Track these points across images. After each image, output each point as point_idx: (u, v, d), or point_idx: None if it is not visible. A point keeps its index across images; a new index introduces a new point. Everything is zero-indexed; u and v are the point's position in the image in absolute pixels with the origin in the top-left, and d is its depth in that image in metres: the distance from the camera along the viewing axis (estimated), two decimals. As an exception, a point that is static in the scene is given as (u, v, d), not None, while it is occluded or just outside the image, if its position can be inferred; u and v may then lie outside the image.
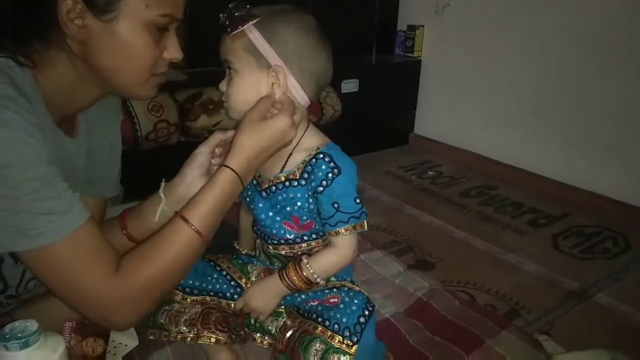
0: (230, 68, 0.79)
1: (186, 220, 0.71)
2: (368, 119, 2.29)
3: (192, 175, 0.82)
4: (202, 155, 0.83)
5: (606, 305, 1.27)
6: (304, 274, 0.81)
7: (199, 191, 0.75)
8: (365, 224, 0.82)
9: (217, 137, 0.83)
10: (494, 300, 1.27)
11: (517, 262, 1.46)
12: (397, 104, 2.47)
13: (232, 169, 0.74)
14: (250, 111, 0.77)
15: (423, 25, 2.36)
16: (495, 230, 1.67)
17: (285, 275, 0.83)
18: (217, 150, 0.85)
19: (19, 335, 0.62)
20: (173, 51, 0.71)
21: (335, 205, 0.79)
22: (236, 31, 0.75)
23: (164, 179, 0.86)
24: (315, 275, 0.81)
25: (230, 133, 0.82)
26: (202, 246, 0.74)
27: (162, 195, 0.83)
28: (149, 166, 1.66)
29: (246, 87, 0.78)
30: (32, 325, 0.64)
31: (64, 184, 0.63)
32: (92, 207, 0.88)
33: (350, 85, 2.17)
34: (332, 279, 0.89)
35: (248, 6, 0.76)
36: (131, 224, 0.84)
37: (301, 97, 0.80)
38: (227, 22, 0.76)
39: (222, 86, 0.81)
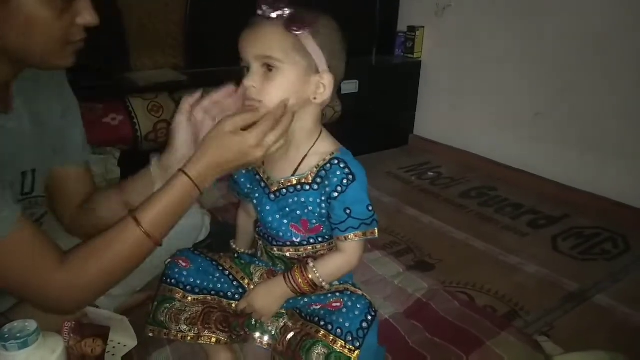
0: (269, 65, 0.75)
1: (137, 222, 0.72)
2: (368, 119, 2.29)
3: (182, 153, 0.82)
4: (181, 126, 0.82)
5: (606, 307, 1.27)
6: (310, 277, 0.82)
7: (154, 193, 0.76)
8: (376, 231, 0.83)
9: (187, 101, 0.81)
10: (493, 301, 1.27)
11: (517, 263, 1.46)
12: (397, 105, 2.47)
13: (188, 176, 0.74)
14: (224, 121, 0.75)
15: (423, 26, 2.36)
16: (495, 231, 1.67)
17: (290, 278, 0.83)
18: (215, 110, 0.82)
19: (18, 335, 0.62)
20: (86, 16, 0.68)
21: (348, 211, 0.80)
22: (302, 32, 0.73)
23: (151, 155, 0.85)
24: (321, 279, 0.82)
25: (197, 94, 0.82)
26: (152, 248, 0.75)
27: (153, 175, 0.83)
28: (148, 166, 1.67)
29: (289, 87, 0.75)
30: (31, 325, 0.64)
31: None
32: (74, 177, 0.89)
33: (350, 86, 2.17)
34: (335, 282, 0.89)
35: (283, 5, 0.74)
36: (130, 195, 0.86)
37: (326, 102, 0.80)
38: (287, 17, 0.73)
39: (254, 82, 0.76)
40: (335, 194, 0.79)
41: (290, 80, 0.75)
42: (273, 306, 0.86)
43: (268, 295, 0.85)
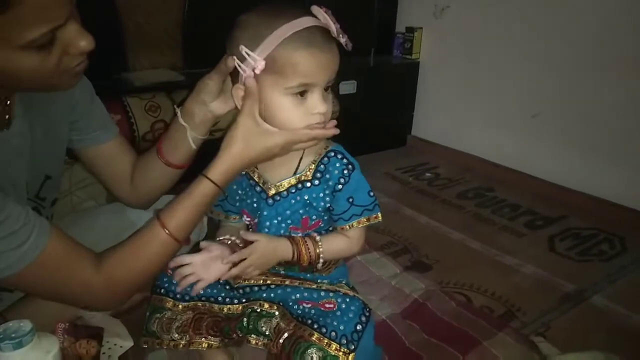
0: (327, 87, 0.77)
1: (164, 227, 0.75)
2: (366, 120, 2.29)
3: (203, 97, 0.84)
4: (212, 82, 0.82)
5: (602, 308, 1.27)
6: (317, 251, 0.82)
7: (177, 198, 0.77)
8: (380, 215, 0.84)
9: (229, 64, 0.77)
10: (490, 302, 1.27)
11: (514, 263, 1.46)
12: (395, 106, 2.48)
13: (212, 181, 0.75)
14: (245, 118, 0.74)
15: (421, 27, 2.36)
16: (492, 232, 1.67)
17: (295, 244, 0.83)
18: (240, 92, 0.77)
19: (13, 335, 0.62)
20: (78, 43, 0.62)
21: (350, 200, 0.81)
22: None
23: (175, 107, 0.89)
24: (321, 256, 0.83)
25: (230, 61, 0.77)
26: (178, 248, 0.78)
27: (184, 123, 0.85)
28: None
29: None
30: (26, 325, 0.63)
31: (14, 208, 0.63)
32: (116, 150, 0.93)
33: (348, 87, 2.17)
34: (325, 281, 0.89)
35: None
36: (167, 153, 0.89)
37: None
38: (345, 39, 0.74)
39: (324, 106, 0.77)
40: (340, 186, 0.80)
41: None
42: (266, 266, 0.85)
43: (270, 253, 0.83)
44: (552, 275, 1.40)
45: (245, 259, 0.81)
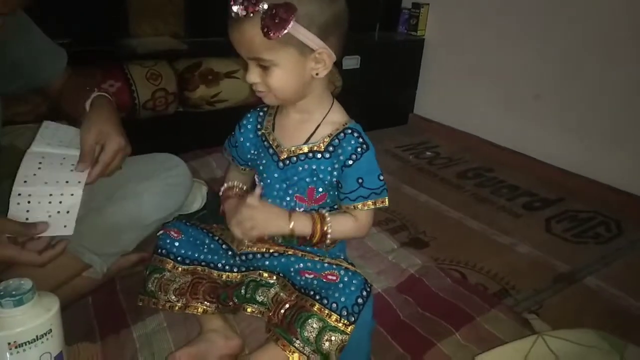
0: (263, 65, 0.75)
1: None
2: (368, 96, 2.27)
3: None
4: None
5: (595, 289, 1.28)
6: (324, 229, 0.81)
7: None
8: (387, 200, 0.83)
9: None
10: (485, 280, 1.28)
11: (510, 243, 1.47)
12: (398, 83, 2.45)
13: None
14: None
15: (428, 4, 2.32)
16: (490, 211, 1.68)
17: (300, 218, 0.82)
18: None
19: (13, 292, 0.63)
20: None
21: (360, 181, 0.81)
22: (284, 33, 0.68)
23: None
24: (328, 235, 0.82)
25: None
26: None
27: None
28: (146, 136, 1.66)
29: (290, 77, 0.75)
30: (27, 283, 0.64)
31: None
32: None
33: (351, 62, 2.15)
34: (327, 254, 0.89)
35: None
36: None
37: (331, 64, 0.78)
38: (266, 23, 0.68)
39: (254, 78, 0.76)
40: (350, 162, 0.80)
41: (288, 69, 0.74)
42: (267, 229, 0.82)
43: (270, 217, 0.81)
44: (547, 255, 1.42)
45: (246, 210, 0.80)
